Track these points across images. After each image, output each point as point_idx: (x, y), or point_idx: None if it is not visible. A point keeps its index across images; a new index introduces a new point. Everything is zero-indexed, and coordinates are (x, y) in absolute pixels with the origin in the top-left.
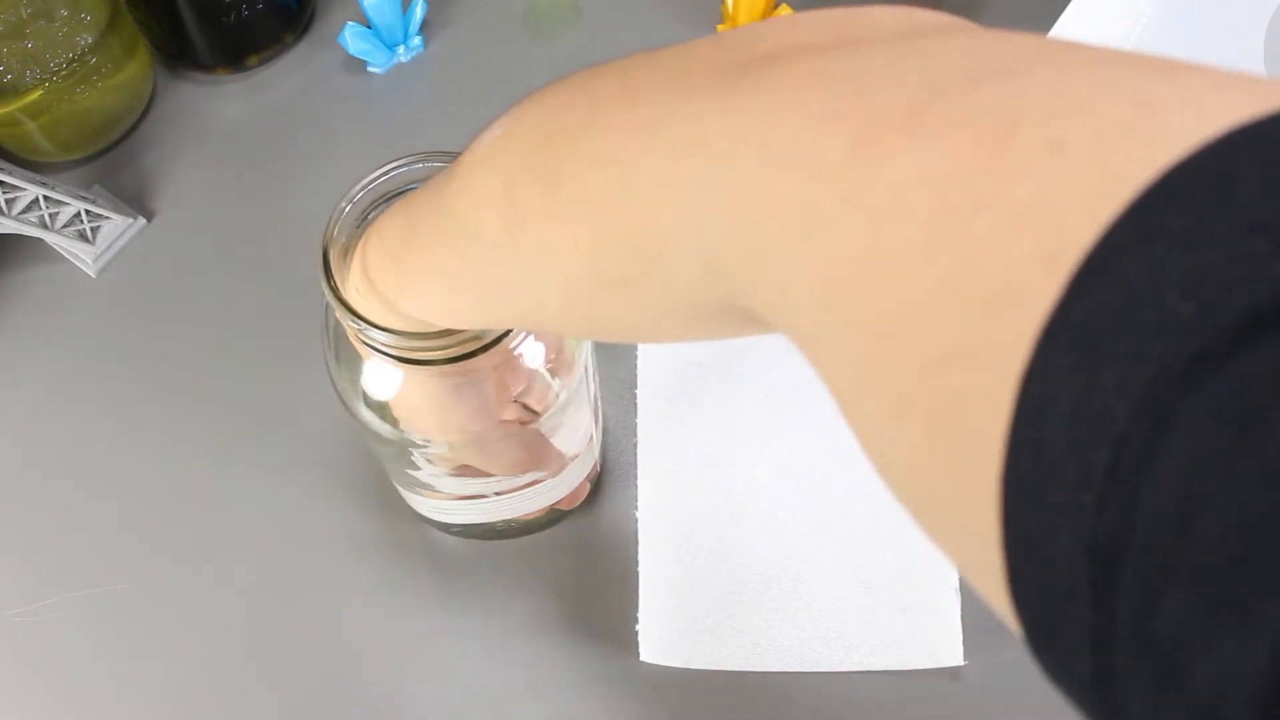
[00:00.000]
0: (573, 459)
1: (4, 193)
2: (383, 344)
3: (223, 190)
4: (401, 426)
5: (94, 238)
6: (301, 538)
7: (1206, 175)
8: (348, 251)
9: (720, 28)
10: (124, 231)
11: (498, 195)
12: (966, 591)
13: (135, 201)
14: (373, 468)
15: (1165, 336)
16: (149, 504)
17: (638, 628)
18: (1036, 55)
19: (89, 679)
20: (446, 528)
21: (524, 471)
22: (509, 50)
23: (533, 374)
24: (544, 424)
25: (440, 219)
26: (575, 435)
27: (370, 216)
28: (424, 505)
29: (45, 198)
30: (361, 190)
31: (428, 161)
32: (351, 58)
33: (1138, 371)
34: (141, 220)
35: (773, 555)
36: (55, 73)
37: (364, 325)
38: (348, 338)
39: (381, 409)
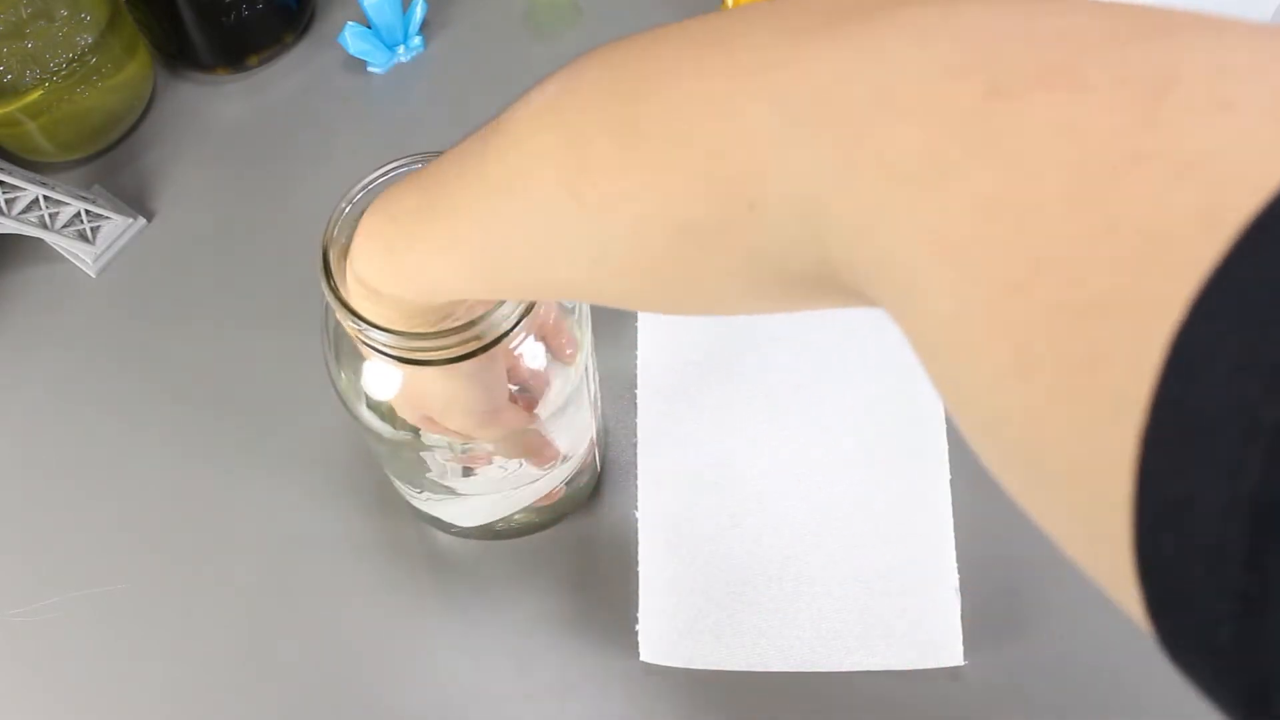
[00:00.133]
0: (565, 457)
1: (4, 193)
2: (383, 344)
3: (223, 190)
4: (407, 413)
5: (94, 238)
6: (301, 538)
7: None
8: (348, 252)
9: None
10: (124, 231)
11: (557, 151)
12: (966, 591)
13: (135, 201)
14: (372, 468)
15: None
16: (149, 504)
17: (638, 628)
18: (1183, 19)
19: (89, 679)
20: (446, 527)
21: (528, 451)
22: (509, 50)
23: (532, 370)
24: (544, 424)
25: (474, 185)
26: (575, 435)
27: None
28: (423, 504)
29: (45, 198)
30: (361, 190)
31: (428, 162)
32: (351, 58)
33: None
34: (141, 220)
35: (773, 555)
36: (55, 73)
37: (364, 325)
38: (348, 338)
39: (382, 409)
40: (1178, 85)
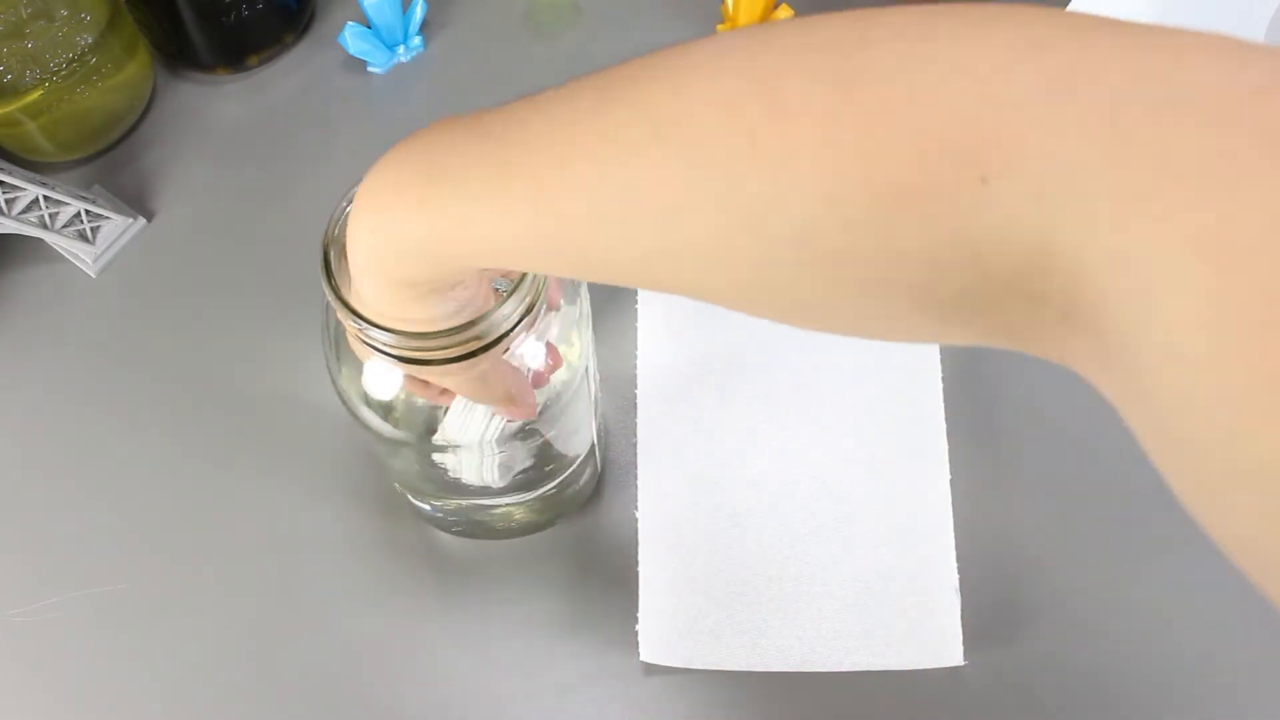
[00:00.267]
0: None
1: (4, 193)
2: (383, 344)
3: (223, 190)
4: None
5: (94, 238)
6: (301, 537)
7: None
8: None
9: (720, 28)
10: (124, 231)
11: (740, 97)
12: (966, 591)
13: (135, 201)
14: (373, 468)
15: None
16: (149, 504)
17: (638, 628)
18: None
19: (89, 679)
20: (447, 526)
21: (510, 401)
22: (509, 50)
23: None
24: (545, 424)
25: (587, 137)
26: (576, 435)
27: None
28: (424, 503)
29: (45, 198)
30: None
31: None
32: (351, 58)
33: None
34: (141, 220)
35: (773, 555)
36: (55, 73)
37: (365, 325)
38: (348, 338)
39: (382, 409)
40: None
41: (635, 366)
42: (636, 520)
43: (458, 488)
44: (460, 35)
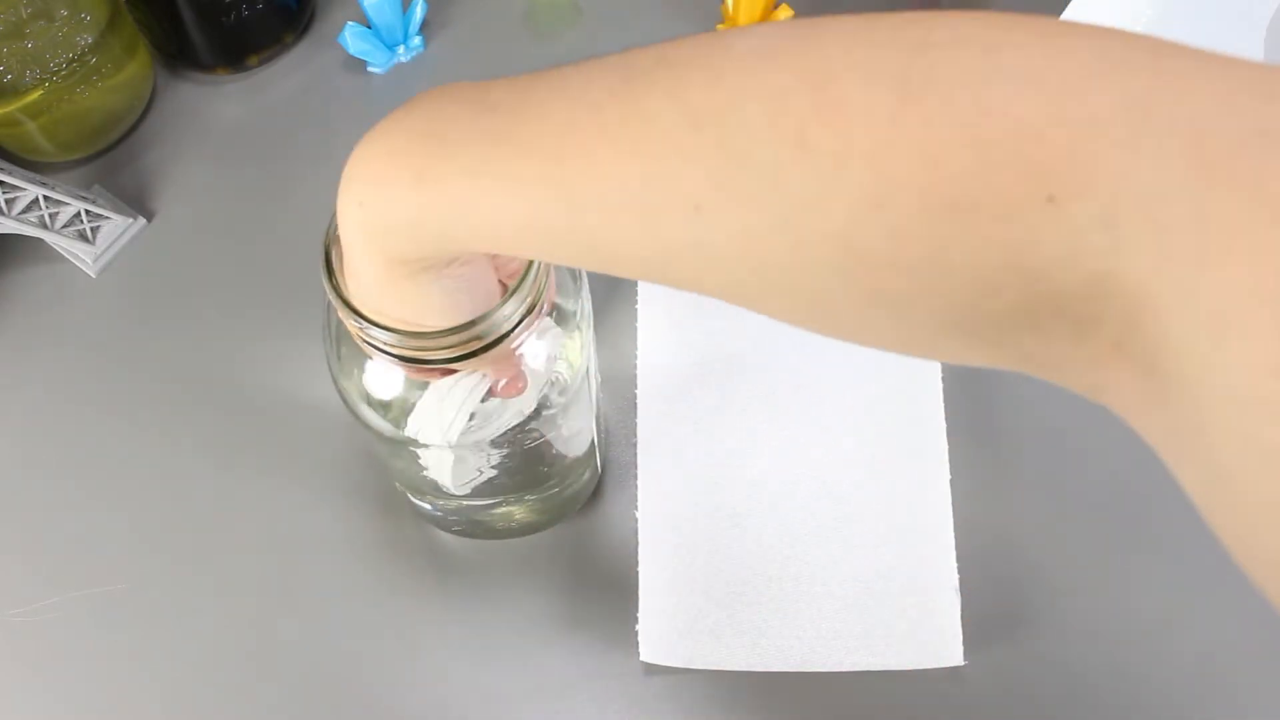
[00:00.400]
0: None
1: (4, 193)
2: (385, 343)
3: (223, 190)
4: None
5: (94, 238)
6: (301, 537)
7: None
8: None
9: (720, 28)
10: (124, 231)
11: (790, 91)
12: (966, 591)
13: (135, 201)
14: (373, 467)
15: None
16: (149, 504)
17: (638, 628)
18: None
19: (89, 679)
20: (447, 526)
21: (505, 370)
22: (509, 50)
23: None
24: (545, 424)
25: (611, 122)
26: (576, 436)
27: None
28: (425, 503)
29: (45, 198)
30: None
31: None
32: (351, 58)
33: None
34: (141, 220)
35: (773, 555)
36: (55, 73)
37: (366, 324)
38: (350, 338)
39: (384, 409)
40: None
41: (635, 366)
42: (636, 520)
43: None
44: (460, 35)
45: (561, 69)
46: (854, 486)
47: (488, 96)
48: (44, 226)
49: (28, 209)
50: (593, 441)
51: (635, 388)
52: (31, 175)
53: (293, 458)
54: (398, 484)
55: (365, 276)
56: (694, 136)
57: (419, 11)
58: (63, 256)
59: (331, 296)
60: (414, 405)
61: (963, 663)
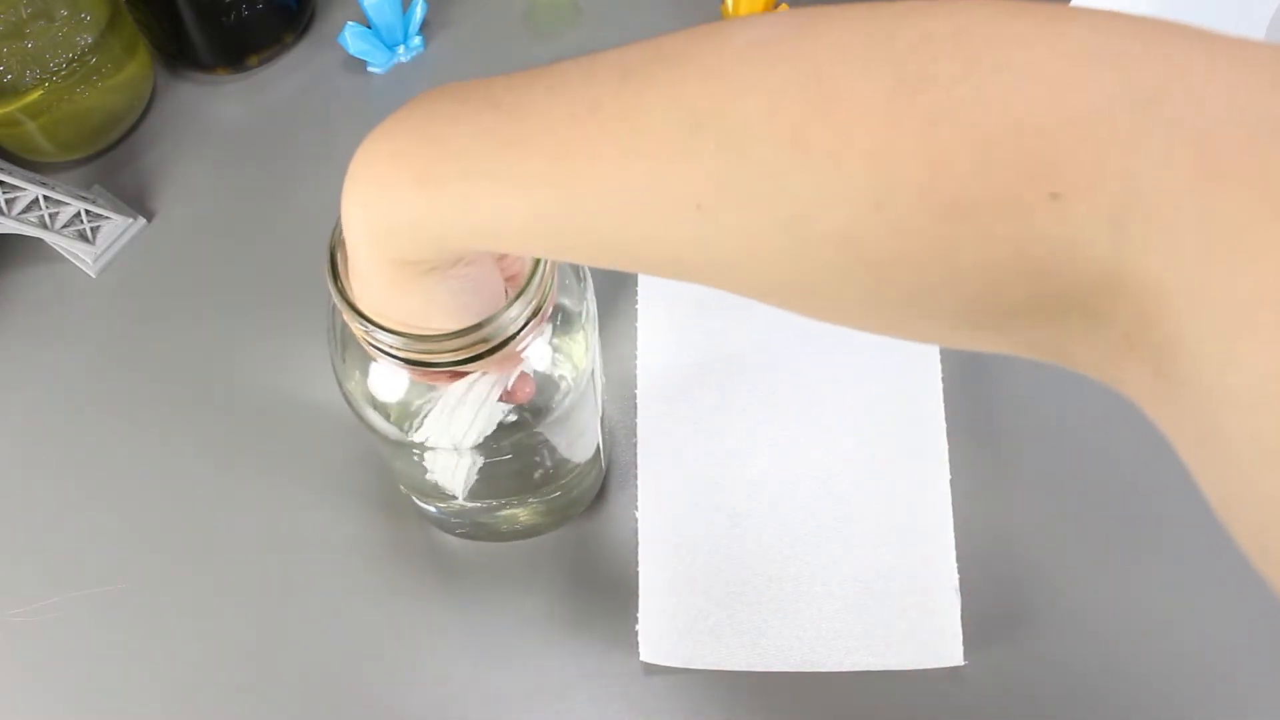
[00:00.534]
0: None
1: (4, 193)
2: (391, 346)
3: (223, 190)
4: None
5: (94, 238)
6: (302, 537)
7: None
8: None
9: None
10: (124, 231)
11: (786, 89)
12: (966, 591)
13: (135, 201)
14: (375, 468)
15: None
16: (149, 504)
17: (638, 628)
18: None
19: (89, 679)
20: (451, 528)
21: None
22: (509, 50)
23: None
24: (550, 428)
25: (610, 118)
26: (582, 438)
27: None
28: (429, 505)
29: (45, 198)
30: None
31: None
32: (351, 58)
33: None
34: (141, 220)
35: (773, 555)
36: (55, 73)
37: (371, 327)
38: (355, 340)
39: (389, 411)
40: None
41: (635, 367)
42: (636, 520)
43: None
44: (460, 35)
45: (560, 66)
46: (854, 486)
47: (487, 95)
48: (44, 226)
49: (28, 209)
50: (598, 445)
51: (635, 388)
52: (31, 175)
53: (293, 458)
54: (402, 487)
55: (371, 279)
56: (693, 135)
57: (419, 11)
58: (63, 256)
59: (337, 299)
60: (418, 408)
61: (963, 663)
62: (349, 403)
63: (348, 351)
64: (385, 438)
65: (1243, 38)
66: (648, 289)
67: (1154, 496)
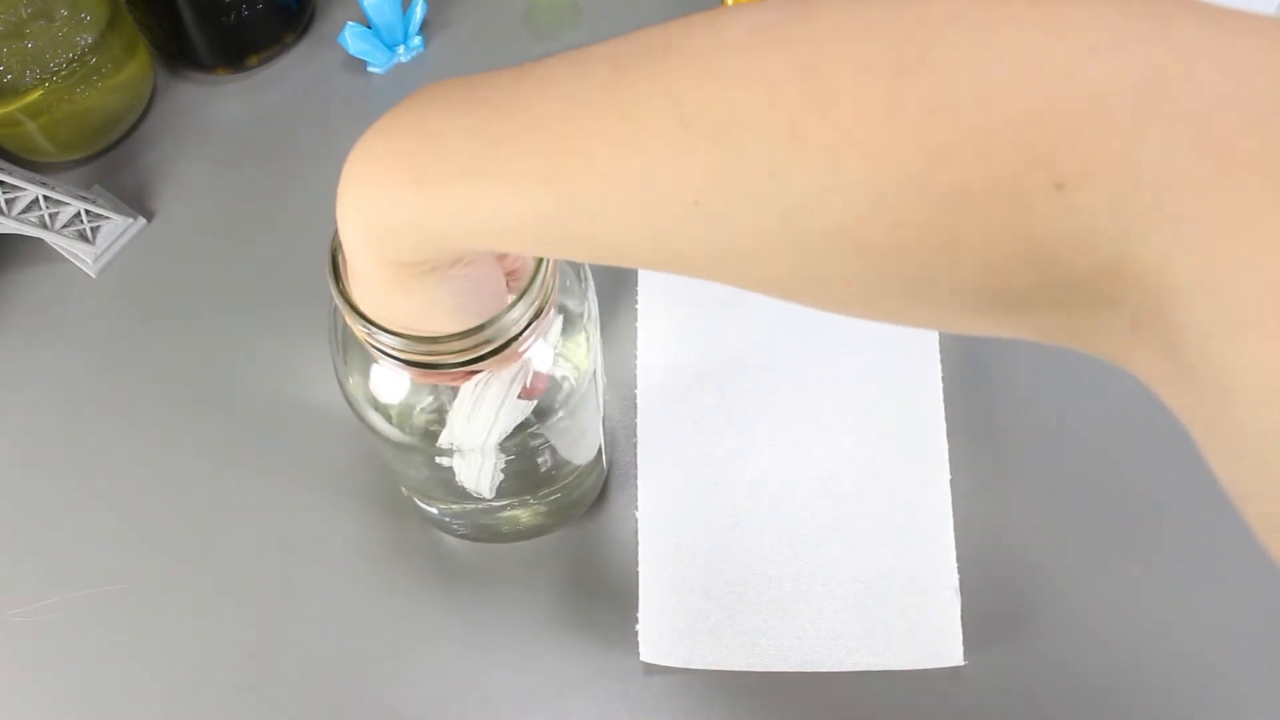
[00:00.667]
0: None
1: (4, 193)
2: (393, 348)
3: (223, 190)
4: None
5: (94, 238)
6: (302, 538)
7: None
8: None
9: None
10: (124, 231)
11: (781, 82)
12: (966, 591)
13: (135, 201)
14: (374, 467)
15: None
16: (149, 504)
17: (638, 628)
18: None
19: (89, 679)
20: (452, 529)
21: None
22: (509, 50)
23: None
24: (552, 429)
25: (602, 114)
26: (584, 439)
27: None
28: (431, 506)
29: (45, 198)
30: None
31: None
32: (351, 58)
33: None
34: (141, 220)
35: (773, 555)
36: (55, 73)
37: (373, 330)
38: (356, 341)
39: (389, 412)
40: None
41: (635, 367)
42: (636, 520)
43: (466, 492)
44: (460, 35)
45: (549, 61)
46: (854, 486)
47: (475, 93)
48: (44, 226)
49: (28, 209)
50: (600, 446)
51: (635, 388)
52: (31, 175)
53: (293, 458)
54: (404, 489)
55: (369, 281)
56: (687, 131)
57: (419, 11)
58: (63, 256)
59: (339, 301)
60: (420, 409)
61: (963, 663)
62: (350, 404)
63: (349, 353)
64: (387, 439)
65: (1248, 12)
66: (648, 289)
67: (1154, 496)
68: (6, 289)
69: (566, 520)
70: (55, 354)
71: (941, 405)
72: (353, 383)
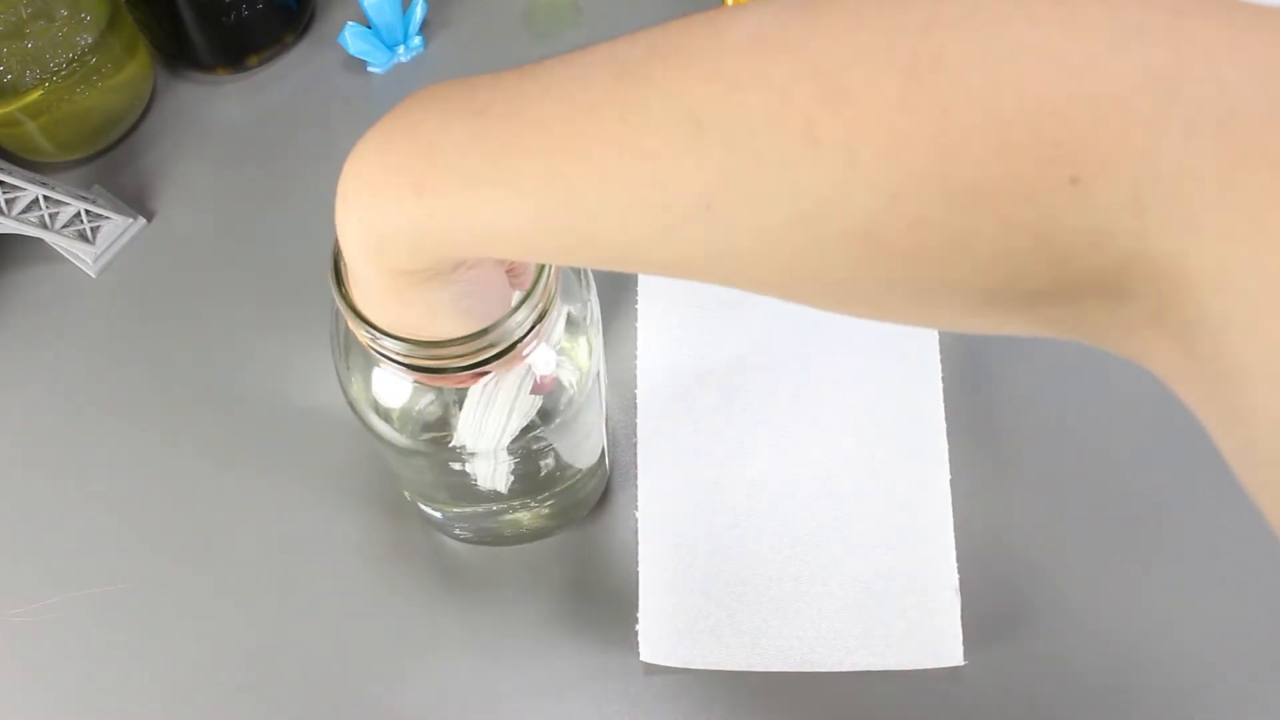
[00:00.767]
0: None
1: (4, 193)
2: (397, 353)
3: (223, 190)
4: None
5: (94, 238)
6: (303, 538)
7: None
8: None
9: None
10: (124, 231)
11: (792, 82)
12: (966, 591)
13: (135, 201)
14: (377, 469)
15: None
16: (149, 504)
17: (638, 628)
18: None
19: (89, 679)
20: (455, 534)
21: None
22: (509, 50)
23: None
24: (555, 433)
25: (606, 119)
26: (588, 440)
27: None
28: (434, 510)
29: (45, 198)
30: None
31: None
32: (351, 58)
33: None
34: (141, 220)
35: (773, 555)
36: (55, 73)
37: (377, 335)
38: (358, 346)
39: (391, 416)
40: None
41: (635, 367)
42: (636, 520)
43: (470, 495)
44: (460, 35)
45: (550, 64)
46: (854, 486)
47: (473, 98)
48: (44, 226)
49: (28, 209)
50: (602, 449)
51: (635, 388)
52: (31, 175)
53: (293, 458)
54: (407, 493)
55: (371, 288)
56: (699, 134)
57: (419, 11)
58: (63, 256)
59: (341, 306)
60: (421, 412)
61: (963, 663)
62: (353, 408)
63: (351, 357)
64: (390, 443)
65: (1267, 7)
66: (648, 290)
67: (1154, 497)
68: (6, 289)
69: (569, 523)
70: (55, 354)
71: (941, 405)
72: (355, 386)
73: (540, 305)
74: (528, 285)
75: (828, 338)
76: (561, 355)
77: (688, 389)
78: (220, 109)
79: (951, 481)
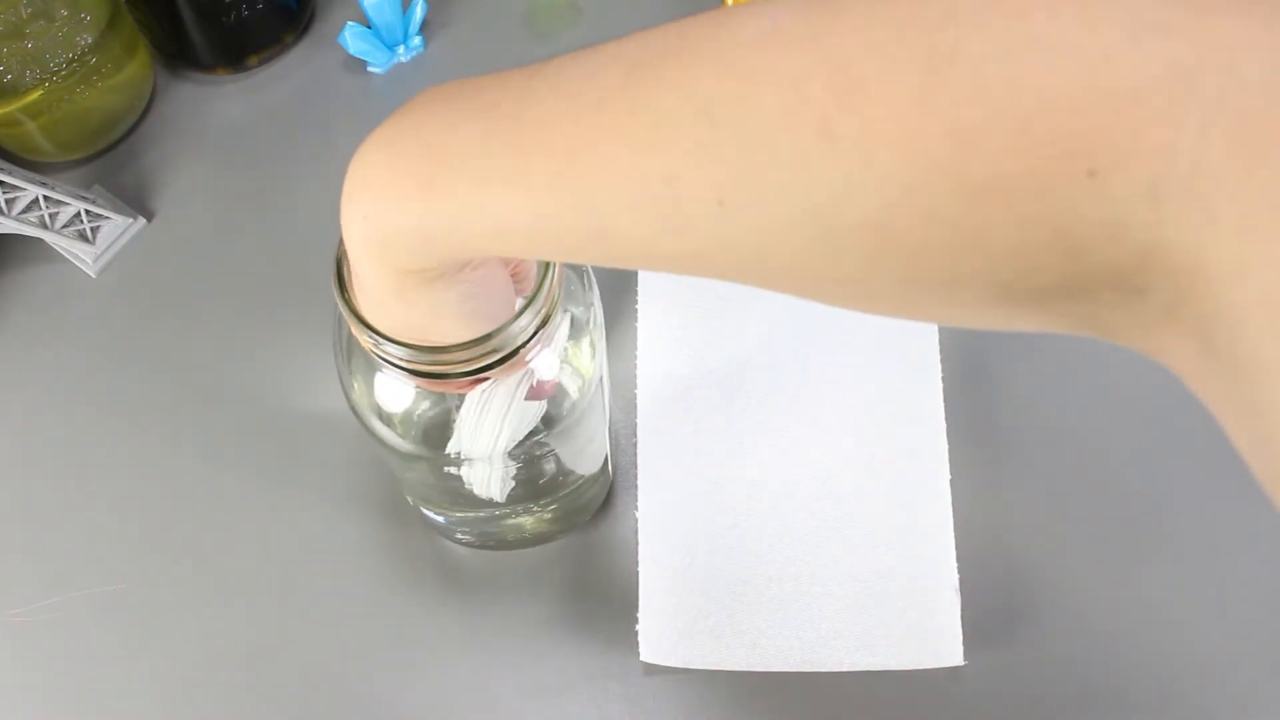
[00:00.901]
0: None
1: (4, 193)
2: (399, 358)
3: (223, 190)
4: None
5: (94, 238)
6: (303, 538)
7: None
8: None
9: None
10: (124, 231)
11: (807, 78)
12: (966, 591)
13: (135, 201)
14: (378, 472)
15: None
16: (149, 504)
17: (638, 628)
18: None
19: (89, 679)
20: (458, 538)
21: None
22: (509, 50)
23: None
24: (558, 438)
25: (617, 115)
26: (591, 445)
27: None
28: (437, 514)
29: (45, 198)
30: None
31: None
32: (351, 58)
33: None
34: (141, 220)
35: (773, 555)
36: (55, 73)
37: (380, 340)
38: (360, 350)
39: (394, 420)
40: None
41: (635, 367)
42: (637, 520)
43: (472, 500)
44: (460, 35)
45: (557, 63)
46: (854, 486)
47: (480, 96)
48: (44, 226)
49: (28, 209)
50: (605, 454)
51: (635, 388)
52: (31, 175)
53: (294, 458)
54: (409, 496)
55: (376, 289)
56: (711, 130)
57: (419, 11)
58: (63, 256)
59: (344, 311)
60: (423, 417)
61: (963, 663)
62: (355, 412)
63: (353, 361)
64: (392, 448)
65: None
66: (648, 290)
67: (1154, 496)
68: (6, 289)
69: (572, 527)
70: (55, 354)
71: (941, 405)
72: (357, 391)
73: (544, 310)
74: (530, 290)
75: (828, 338)
76: (564, 359)
77: (688, 389)
78: (220, 109)
79: (951, 481)
